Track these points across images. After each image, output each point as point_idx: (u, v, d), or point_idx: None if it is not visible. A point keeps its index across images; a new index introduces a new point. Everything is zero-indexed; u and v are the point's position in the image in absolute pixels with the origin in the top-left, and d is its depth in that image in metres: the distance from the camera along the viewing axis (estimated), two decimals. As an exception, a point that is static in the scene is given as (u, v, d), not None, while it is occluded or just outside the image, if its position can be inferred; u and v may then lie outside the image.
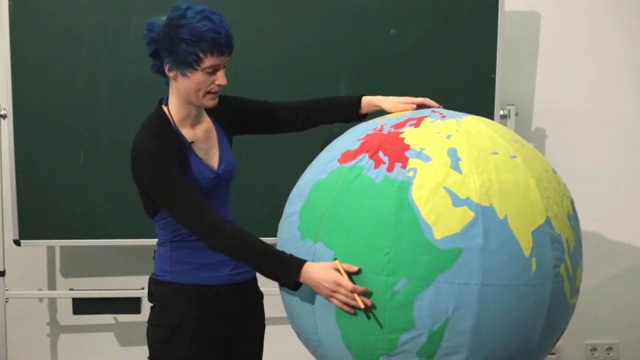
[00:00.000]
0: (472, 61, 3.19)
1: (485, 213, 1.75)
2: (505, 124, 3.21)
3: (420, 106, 2.14)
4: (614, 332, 3.66)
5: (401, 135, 1.88)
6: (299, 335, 2.04)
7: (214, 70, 1.98)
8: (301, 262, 1.85)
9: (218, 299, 2.10)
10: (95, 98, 3.09)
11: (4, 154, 3.14)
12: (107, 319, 3.46)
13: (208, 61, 1.95)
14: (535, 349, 1.86)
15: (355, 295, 1.76)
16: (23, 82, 3.07)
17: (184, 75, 1.98)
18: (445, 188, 1.76)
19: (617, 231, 3.58)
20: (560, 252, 1.83)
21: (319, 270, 1.81)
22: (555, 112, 3.49)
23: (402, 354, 1.78)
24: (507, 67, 3.26)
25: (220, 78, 2.00)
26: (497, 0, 3.13)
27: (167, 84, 2.06)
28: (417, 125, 1.92)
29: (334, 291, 1.79)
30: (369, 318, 1.78)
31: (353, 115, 2.25)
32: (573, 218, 1.94)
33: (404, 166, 1.80)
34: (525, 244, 1.77)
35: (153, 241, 2.17)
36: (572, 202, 1.98)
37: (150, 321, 2.12)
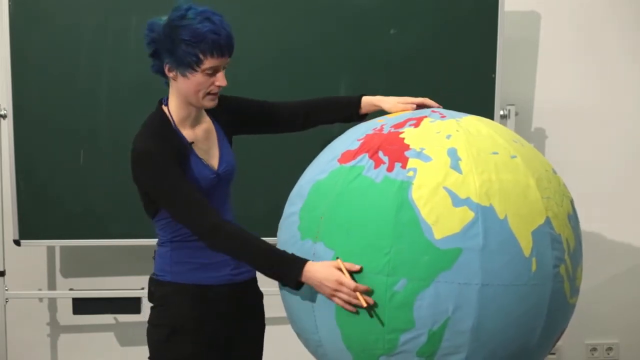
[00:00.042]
0: (472, 61, 3.19)
1: (485, 213, 1.75)
2: (505, 124, 3.21)
3: (420, 106, 2.13)
4: (614, 332, 3.66)
5: (401, 135, 1.88)
6: (299, 335, 2.04)
7: (213, 71, 1.97)
8: (303, 261, 1.84)
9: (218, 299, 2.09)
10: (95, 98, 3.09)
11: (4, 154, 3.14)
12: (107, 319, 3.46)
13: (208, 62, 1.95)
14: (535, 349, 1.86)
15: (358, 294, 1.76)
16: (23, 82, 3.07)
17: (183, 76, 1.98)
18: (445, 188, 1.76)
19: (617, 231, 3.57)
20: (560, 252, 1.83)
21: (321, 270, 1.81)
22: (555, 112, 3.49)
23: (402, 353, 1.78)
24: (507, 67, 3.25)
25: (220, 79, 1.99)
26: (497, 0, 3.13)
27: (167, 84, 2.06)
28: (417, 125, 1.92)
29: (336, 290, 1.78)
30: (371, 317, 1.77)
31: (353, 115, 2.25)
32: (573, 218, 1.94)
33: (404, 166, 1.80)
34: (525, 244, 1.77)
35: (153, 241, 2.17)
36: (572, 202, 1.98)
37: (150, 321, 2.12)
